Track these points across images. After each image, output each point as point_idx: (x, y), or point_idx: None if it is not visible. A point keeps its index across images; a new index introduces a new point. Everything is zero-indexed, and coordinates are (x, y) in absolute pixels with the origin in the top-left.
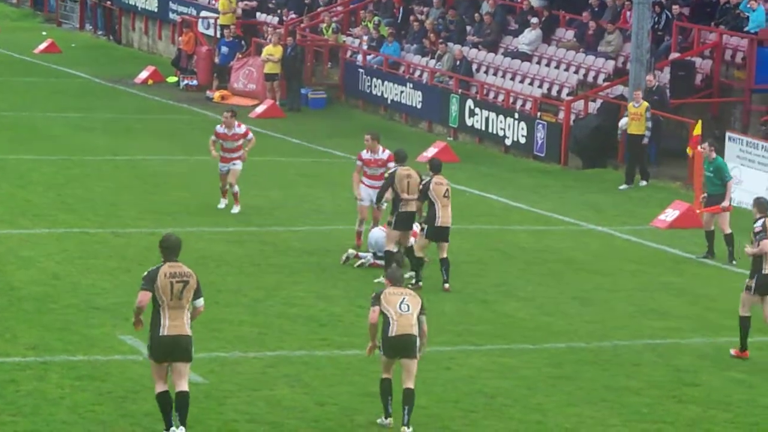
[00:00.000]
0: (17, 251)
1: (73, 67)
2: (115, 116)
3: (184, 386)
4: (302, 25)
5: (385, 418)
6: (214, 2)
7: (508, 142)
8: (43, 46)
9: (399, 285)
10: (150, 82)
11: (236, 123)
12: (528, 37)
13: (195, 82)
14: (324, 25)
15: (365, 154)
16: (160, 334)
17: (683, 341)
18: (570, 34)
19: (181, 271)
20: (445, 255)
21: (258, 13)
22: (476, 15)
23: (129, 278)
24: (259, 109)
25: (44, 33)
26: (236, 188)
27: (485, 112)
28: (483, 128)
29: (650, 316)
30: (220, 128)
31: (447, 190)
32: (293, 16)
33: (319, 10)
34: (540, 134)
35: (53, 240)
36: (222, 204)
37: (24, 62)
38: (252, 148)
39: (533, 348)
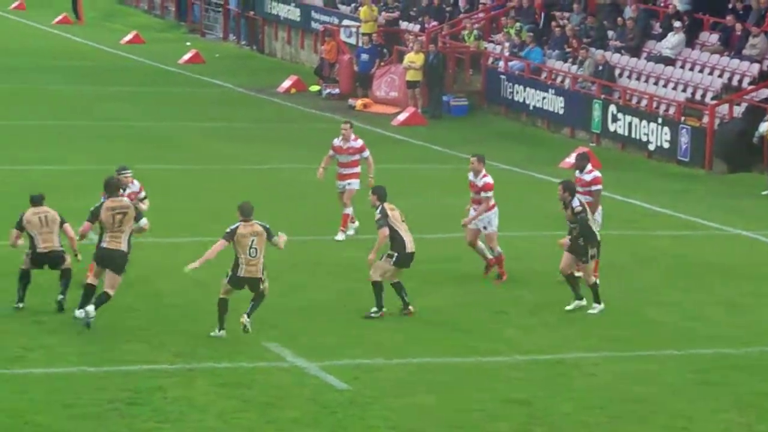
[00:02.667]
0: (162, 260)
1: (217, 77)
2: (258, 125)
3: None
4: (443, 33)
5: (219, 330)
6: (356, 12)
7: (651, 147)
8: (187, 56)
9: (249, 218)
10: (293, 91)
11: (353, 136)
12: (671, 41)
13: (337, 90)
14: (465, 31)
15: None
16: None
17: None
18: (714, 38)
19: (121, 205)
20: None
21: (400, 21)
22: (619, 19)
23: (274, 286)
24: (401, 117)
25: (188, 43)
26: (349, 209)
27: (628, 117)
28: (626, 133)
29: None
30: (336, 141)
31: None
32: (434, 23)
33: (460, 17)
34: (684, 139)
35: (197, 248)
36: (350, 230)
37: (169, 72)
38: (373, 170)
39: (678, 354)
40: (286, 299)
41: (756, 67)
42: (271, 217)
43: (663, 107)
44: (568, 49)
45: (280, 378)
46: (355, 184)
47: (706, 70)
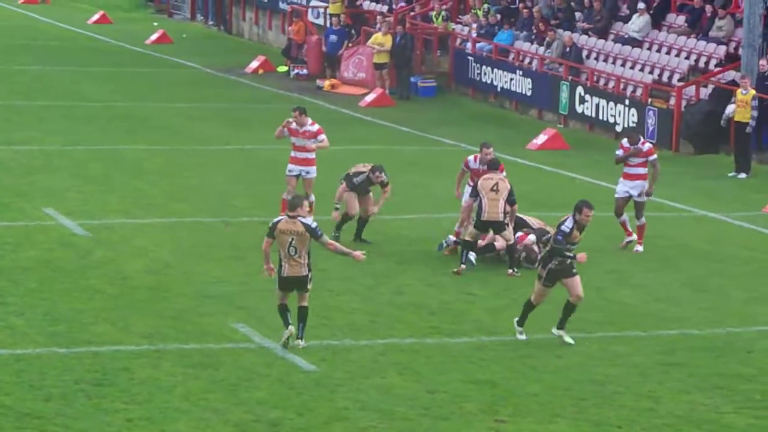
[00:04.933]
0: (130, 240)
1: (185, 58)
2: (227, 106)
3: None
4: (412, 14)
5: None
6: None
7: (618, 128)
8: (154, 36)
9: (292, 212)
10: (260, 71)
11: (309, 120)
12: (638, 23)
13: (305, 71)
14: (433, 12)
15: (472, 163)
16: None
17: None
18: (681, 20)
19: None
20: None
21: (367, 2)
22: (586, 1)
23: (241, 267)
24: (369, 98)
25: (155, 24)
26: (312, 197)
27: (595, 99)
28: (593, 115)
29: (764, 302)
30: (292, 124)
31: (495, 184)
32: (402, 4)
33: None
34: (651, 120)
35: (166, 229)
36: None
37: (136, 53)
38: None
39: (645, 335)
40: (254, 280)
41: (722, 48)
42: (246, 198)
43: (630, 89)
44: (535, 31)
45: (248, 359)
46: (313, 171)
47: (673, 52)
